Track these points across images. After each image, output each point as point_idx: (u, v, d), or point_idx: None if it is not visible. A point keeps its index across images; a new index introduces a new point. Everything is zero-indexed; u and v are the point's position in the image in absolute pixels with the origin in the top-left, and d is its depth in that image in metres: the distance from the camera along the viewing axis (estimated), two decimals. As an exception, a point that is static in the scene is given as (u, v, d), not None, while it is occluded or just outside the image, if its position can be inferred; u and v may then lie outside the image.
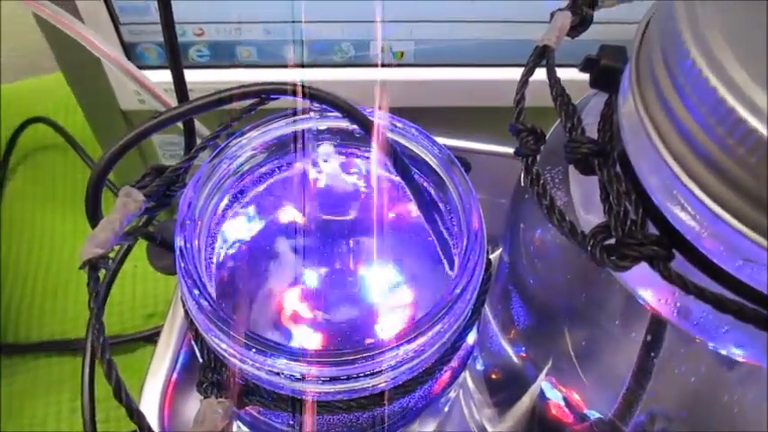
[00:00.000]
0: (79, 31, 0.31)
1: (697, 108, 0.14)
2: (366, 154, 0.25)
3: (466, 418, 0.32)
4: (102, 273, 0.18)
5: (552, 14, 0.22)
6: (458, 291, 0.20)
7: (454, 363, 0.22)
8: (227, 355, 0.19)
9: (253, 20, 0.37)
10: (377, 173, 0.25)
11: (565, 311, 0.22)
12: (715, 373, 0.19)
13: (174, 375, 0.30)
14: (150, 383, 0.29)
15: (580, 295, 0.21)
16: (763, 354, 0.17)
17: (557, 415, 0.24)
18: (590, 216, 0.19)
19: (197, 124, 0.28)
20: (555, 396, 0.24)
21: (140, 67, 0.33)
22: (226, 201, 0.23)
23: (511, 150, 0.19)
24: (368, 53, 0.39)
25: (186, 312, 0.20)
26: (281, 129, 0.23)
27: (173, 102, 0.30)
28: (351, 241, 0.24)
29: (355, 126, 0.23)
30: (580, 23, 0.22)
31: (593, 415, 0.23)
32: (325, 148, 0.24)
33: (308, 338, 0.22)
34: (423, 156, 0.23)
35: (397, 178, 0.23)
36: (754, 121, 0.13)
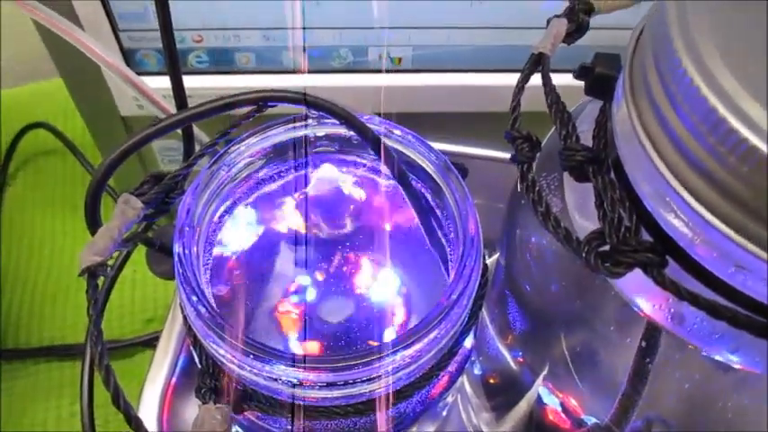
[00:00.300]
0: (78, 38, 0.31)
1: (688, 117, 0.14)
2: (364, 160, 0.25)
3: (464, 423, 0.32)
4: (101, 279, 0.18)
5: (548, 21, 0.22)
6: (454, 296, 0.20)
7: (451, 368, 0.22)
8: (225, 361, 0.19)
9: (251, 26, 0.38)
10: (375, 179, 0.25)
11: (561, 317, 0.22)
12: (710, 379, 0.19)
13: (173, 380, 0.30)
14: (149, 388, 0.29)
15: (575, 301, 0.21)
16: (756, 359, 0.17)
17: (554, 420, 0.25)
18: (585, 222, 0.20)
19: (196, 130, 0.29)
20: (552, 401, 0.24)
21: (139, 74, 0.33)
22: (224, 207, 0.24)
23: (509, 155, 0.19)
24: (366, 59, 0.39)
25: (185, 318, 0.20)
26: (279, 136, 0.24)
27: (172, 108, 0.30)
28: (348, 247, 0.24)
29: (353, 133, 0.23)
30: (576, 30, 0.23)
31: (590, 420, 0.23)
32: (327, 169, 0.24)
33: (305, 344, 0.22)
34: (420, 162, 0.23)
35: (395, 184, 0.23)
36: (744, 131, 0.13)
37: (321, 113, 0.22)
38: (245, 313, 0.23)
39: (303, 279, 0.24)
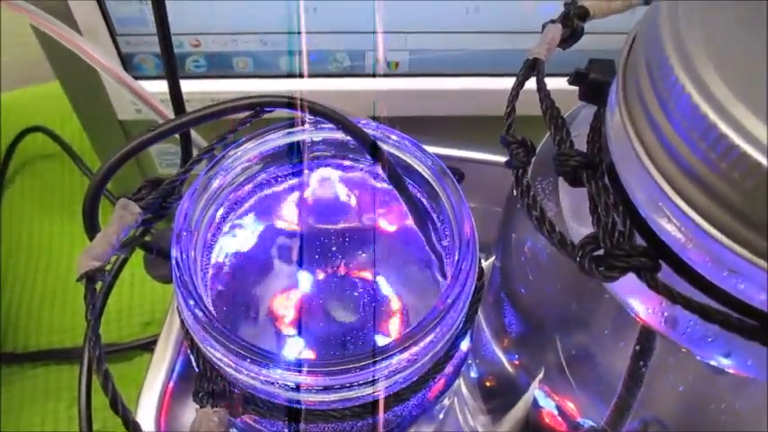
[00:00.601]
0: (76, 43, 0.31)
1: (681, 124, 0.14)
2: (361, 165, 0.25)
3: (460, 425, 0.32)
4: (98, 284, 0.18)
5: (544, 26, 0.22)
6: (450, 300, 0.20)
7: (448, 371, 0.22)
8: (222, 365, 0.19)
9: (249, 31, 0.38)
10: (371, 183, 0.25)
11: (556, 320, 0.23)
12: (704, 382, 0.19)
13: (171, 384, 0.30)
14: (147, 392, 0.30)
15: (571, 304, 0.21)
16: (748, 363, 0.17)
17: (550, 423, 0.25)
18: (580, 226, 0.20)
19: (193, 135, 0.29)
20: (548, 404, 0.24)
21: (137, 78, 0.33)
22: (222, 211, 0.24)
23: (505, 159, 0.20)
24: (363, 63, 0.39)
25: (182, 322, 0.20)
26: (276, 140, 0.24)
27: (169, 112, 0.30)
28: (345, 251, 0.25)
29: (350, 137, 0.23)
30: (571, 36, 0.23)
31: (586, 423, 0.23)
32: (325, 171, 0.24)
33: (302, 348, 0.23)
34: (416, 167, 0.23)
35: (391, 189, 0.23)
36: (735, 138, 0.13)
37: (318, 118, 0.23)
38: (242, 317, 0.23)
39: (300, 283, 0.24)
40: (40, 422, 0.42)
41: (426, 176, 0.23)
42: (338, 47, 0.39)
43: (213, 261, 0.23)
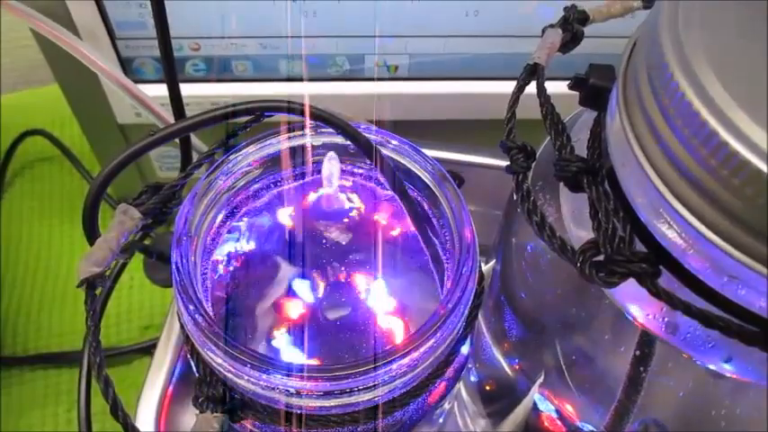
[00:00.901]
0: (76, 47, 0.31)
1: (681, 130, 0.14)
2: (361, 169, 0.25)
3: (460, 429, 0.32)
4: (98, 290, 0.18)
5: (543, 31, 0.23)
6: (450, 305, 0.20)
7: (448, 375, 0.22)
8: (222, 370, 0.19)
9: (248, 35, 0.38)
10: (371, 188, 0.25)
11: (556, 325, 0.23)
12: (704, 387, 0.19)
13: (171, 388, 0.30)
14: (146, 396, 0.29)
15: (571, 309, 0.21)
16: (749, 369, 0.17)
17: (549, 427, 0.25)
18: (581, 231, 0.20)
19: (193, 139, 0.29)
20: (547, 408, 0.24)
21: (137, 81, 0.33)
22: (222, 216, 0.24)
23: (505, 163, 0.20)
24: (362, 67, 0.40)
25: (182, 327, 0.20)
26: (276, 145, 0.24)
27: (169, 116, 0.30)
28: (346, 256, 0.24)
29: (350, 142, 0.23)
30: (571, 40, 0.23)
31: (586, 427, 0.23)
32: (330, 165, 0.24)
33: (302, 353, 0.23)
34: (416, 171, 0.23)
35: (391, 193, 0.23)
36: (736, 145, 0.13)
37: (318, 122, 0.23)
38: (242, 322, 0.23)
39: (300, 287, 0.24)
40: (39, 425, 0.42)
41: (426, 181, 0.23)
42: (338, 50, 0.39)
43: (213, 266, 0.23)
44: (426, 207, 0.24)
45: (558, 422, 0.24)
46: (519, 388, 0.26)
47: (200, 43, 0.38)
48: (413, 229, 0.24)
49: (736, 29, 0.15)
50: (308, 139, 0.24)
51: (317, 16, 0.37)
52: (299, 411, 0.20)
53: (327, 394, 0.19)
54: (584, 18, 0.23)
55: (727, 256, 0.14)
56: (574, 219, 0.20)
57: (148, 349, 0.44)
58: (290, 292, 0.24)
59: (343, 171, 0.25)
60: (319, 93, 0.40)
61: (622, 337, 0.20)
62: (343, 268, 0.24)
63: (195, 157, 0.25)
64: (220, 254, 0.24)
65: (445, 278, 0.23)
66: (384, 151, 0.23)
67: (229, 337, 0.19)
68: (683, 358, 0.18)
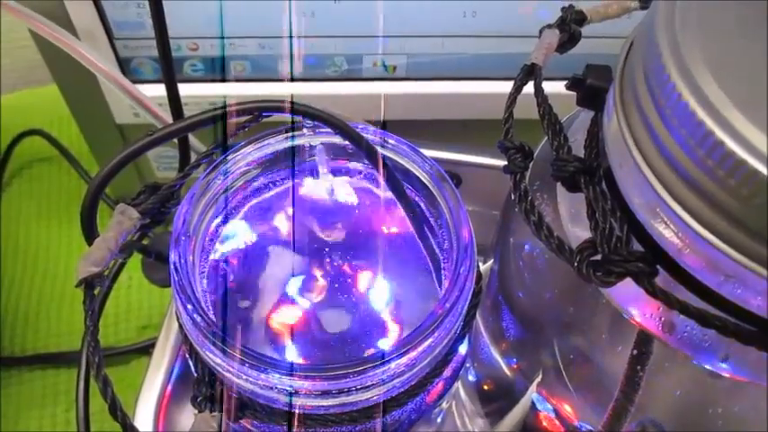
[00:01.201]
0: (74, 47, 0.31)
1: (678, 130, 0.14)
2: (359, 169, 0.25)
3: (458, 429, 0.32)
4: (97, 290, 0.18)
5: (541, 31, 0.23)
6: (448, 304, 0.20)
7: (446, 374, 0.22)
8: (221, 369, 0.19)
9: (247, 35, 0.38)
10: (369, 188, 0.25)
11: (553, 324, 0.23)
12: (701, 386, 0.19)
13: (169, 388, 0.30)
14: (145, 396, 0.30)
15: (568, 308, 0.21)
16: (745, 368, 0.17)
17: (547, 426, 0.25)
18: (578, 230, 0.20)
19: (192, 139, 0.29)
20: (545, 408, 0.24)
21: (135, 82, 0.33)
22: (220, 216, 0.24)
23: (503, 162, 0.20)
24: (360, 67, 0.40)
25: (181, 327, 0.20)
26: (274, 144, 0.24)
27: (167, 116, 0.30)
28: (344, 256, 0.25)
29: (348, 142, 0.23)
30: (569, 40, 0.23)
31: (584, 426, 0.23)
32: (322, 178, 0.24)
33: (301, 353, 0.23)
34: (414, 171, 0.23)
35: (389, 193, 0.24)
36: (732, 145, 0.13)
37: (316, 122, 0.23)
38: (240, 322, 0.23)
39: (298, 287, 0.24)
40: (37, 425, 0.42)
41: (424, 181, 0.23)
42: (336, 51, 0.39)
43: (211, 265, 0.23)
44: (424, 207, 0.24)
45: (556, 422, 0.24)
46: (517, 387, 0.26)
47: (199, 43, 0.38)
48: (411, 228, 0.24)
49: (733, 29, 0.15)
50: (307, 139, 0.24)
51: (316, 16, 0.37)
52: (297, 411, 0.20)
53: (325, 394, 0.19)
54: (581, 18, 0.23)
55: (723, 255, 0.14)
56: (571, 218, 0.20)
57: (147, 349, 0.44)
58: (289, 292, 0.24)
59: (341, 171, 0.25)
60: (317, 93, 0.40)
61: (620, 336, 0.20)
62: (341, 268, 0.24)
63: (193, 157, 0.25)
64: (219, 254, 0.24)
65: (443, 278, 0.23)
66: (382, 151, 0.23)
67: (228, 337, 0.19)
68: (680, 358, 0.18)
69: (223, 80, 0.40)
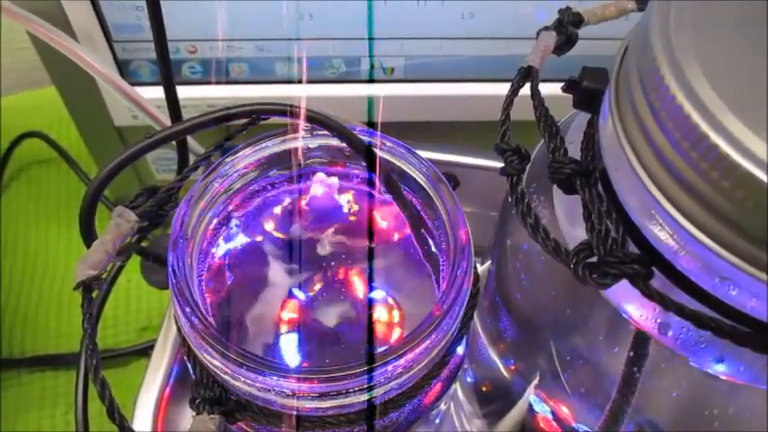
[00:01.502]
0: (73, 50, 0.31)
1: (672, 133, 0.14)
2: (357, 171, 0.25)
3: (456, 430, 0.32)
4: (95, 292, 0.19)
5: (538, 33, 0.23)
6: (446, 306, 0.20)
7: (444, 376, 0.22)
8: (219, 372, 0.19)
9: (245, 37, 0.38)
10: (367, 190, 0.25)
11: (551, 325, 0.23)
12: (697, 387, 0.19)
13: (168, 389, 0.30)
14: (143, 398, 0.30)
15: (565, 309, 0.21)
16: (741, 369, 0.17)
17: (545, 428, 0.25)
18: (575, 232, 0.20)
19: (190, 141, 0.29)
20: (543, 409, 0.24)
21: (134, 84, 0.33)
22: (218, 219, 0.24)
23: (501, 164, 0.20)
24: (359, 69, 0.40)
25: (179, 329, 0.21)
26: (272, 147, 0.24)
27: (166, 118, 0.30)
28: (341, 258, 0.25)
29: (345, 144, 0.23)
30: (565, 42, 0.23)
31: (581, 428, 0.23)
32: (320, 180, 0.25)
33: (298, 355, 0.23)
34: (411, 173, 0.23)
35: (387, 195, 0.24)
36: (726, 147, 0.13)
37: (314, 125, 0.23)
38: (238, 324, 0.23)
39: (296, 289, 0.24)
40: (36, 427, 0.42)
41: (421, 182, 0.23)
42: (334, 53, 0.39)
43: (210, 268, 0.23)
44: (421, 208, 0.24)
45: (554, 423, 0.24)
46: (515, 389, 0.26)
47: (197, 46, 0.38)
48: (408, 230, 0.24)
49: (729, 29, 0.15)
50: (304, 142, 0.24)
51: (314, 18, 0.37)
52: (294, 413, 0.20)
53: (323, 396, 0.19)
54: (578, 20, 0.23)
55: (718, 257, 0.14)
56: (568, 221, 0.20)
57: (145, 351, 0.44)
58: (286, 294, 0.24)
59: (338, 173, 0.25)
60: (316, 95, 0.40)
61: (616, 337, 0.20)
62: (338, 270, 0.24)
63: (192, 159, 0.25)
64: (217, 256, 0.24)
65: (440, 279, 0.23)
66: (379, 153, 0.23)
67: (226, 339, 0.19)
68: (676, 359, 0.18)
69: (221, 82, 0.40)
